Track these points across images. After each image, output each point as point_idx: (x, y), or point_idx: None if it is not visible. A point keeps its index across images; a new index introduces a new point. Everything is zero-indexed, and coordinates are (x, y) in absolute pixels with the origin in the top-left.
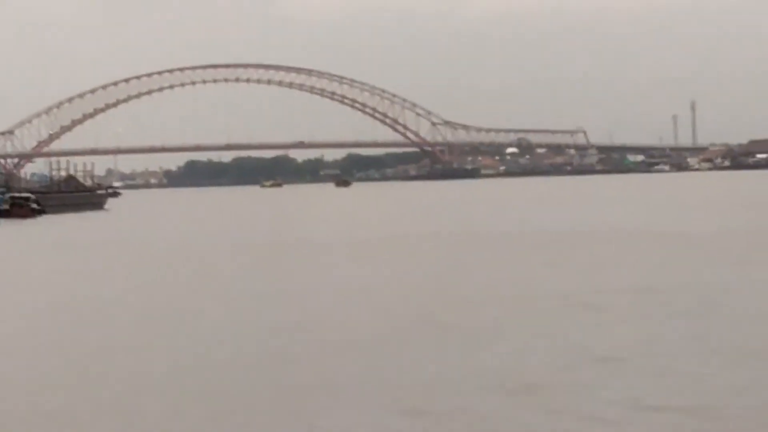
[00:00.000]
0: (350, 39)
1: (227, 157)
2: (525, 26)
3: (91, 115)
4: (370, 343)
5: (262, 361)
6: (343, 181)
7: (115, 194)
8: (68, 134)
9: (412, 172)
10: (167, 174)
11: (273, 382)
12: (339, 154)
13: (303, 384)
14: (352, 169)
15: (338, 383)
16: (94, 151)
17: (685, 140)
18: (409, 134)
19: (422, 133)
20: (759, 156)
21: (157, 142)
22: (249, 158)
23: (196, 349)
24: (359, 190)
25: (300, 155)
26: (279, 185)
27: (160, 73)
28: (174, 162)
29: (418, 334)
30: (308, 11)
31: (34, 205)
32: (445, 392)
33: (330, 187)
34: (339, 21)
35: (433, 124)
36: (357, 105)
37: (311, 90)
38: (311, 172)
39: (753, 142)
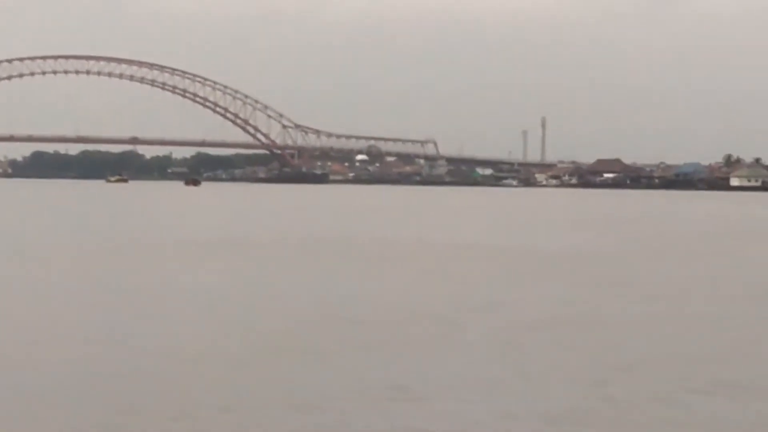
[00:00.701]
0: (205, 37)
1: (74, 149)
2: (382, 33)
3: None
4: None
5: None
6: (192, 180)
7: None
8: None
9: (261, 175)
10: (12, 164)
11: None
12: (188, 152)
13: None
14: (200, 168)
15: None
16: None
17: (534, 156)
18: (259, 136)
19: (273, 136)
20: (606, 175)
21: (4, 131)
22: (97, 152)
23: None
24: (209, 189)
25: (148, 152)
26: (125, 181)
27: (9, 61)
28: (20, 152)
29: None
30: (166, 7)
31: None
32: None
33: (179, 185)
34: (195, 18)
35: (284, 127)
36: (208, 104)
37: (163, 86)
38: (159, 170)
39: (600, 161)
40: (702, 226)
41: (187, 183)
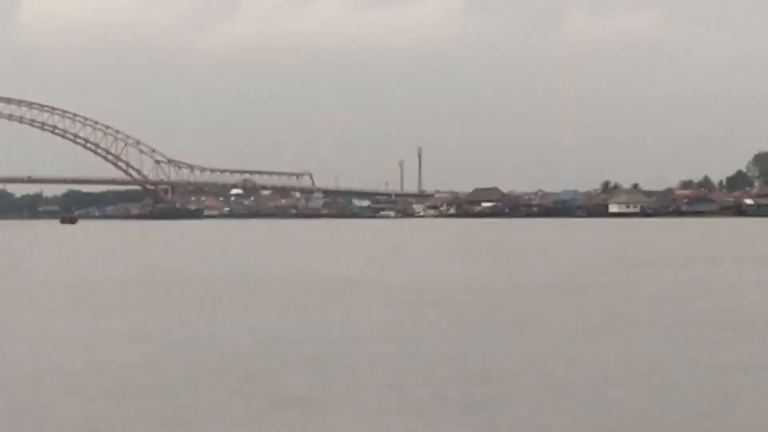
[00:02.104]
0: (72, 70)
1: None
2: (254, 65)
3: None
4: None
5: None
6: (69, 219)
7: None
8: None
9: (134, 211)
10: None
11: None
12: (59, 190)
13: None
14: (72, 206)
15: None
16: None
17: (411, 186)
18: (131, 171)
19: (145, 171)
20: (484, 204)
21: None
22: None
23: None
24: (84, 227)
25: (17, 190)
26: None
27: None
28: None
29: None
30: (31, 41)
31: None
32: None
33: (54, 223)
34: (61, 51)
35: (157, 162)
36: (79, 140)
37: (31, 123)
38: (29, 208)
39: (477, 191)
40: (584, 254)
41: (63, 221)
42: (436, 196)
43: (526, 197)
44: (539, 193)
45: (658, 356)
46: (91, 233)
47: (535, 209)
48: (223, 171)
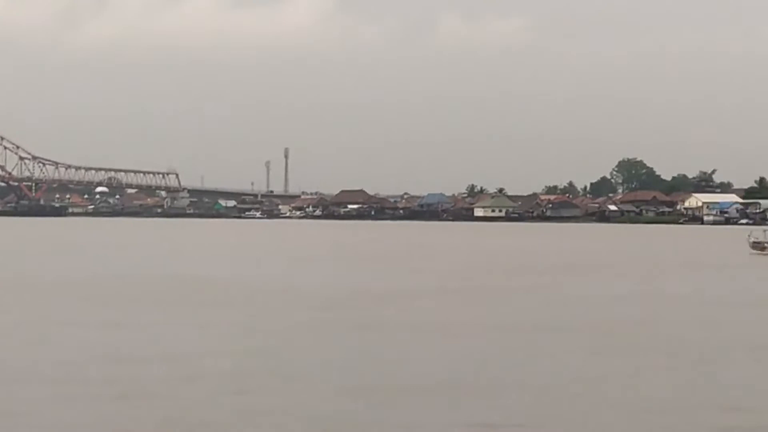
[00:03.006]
0: None
1: None
2: (121, 63)
3: None
4: None
5: None
6: None
7: None
8: None
9: None
10: None
11: None
12: None
13: None
14: None
15: None
16: None
17: (278, 187)
18: None
19: (9, 168)
20: (350, 206)
21: None
22: None
23: None
24: None
25: None
26: None
27: None
28: None
29: None
30: None
31: None
32: None
33: None
34: None
35: (21, 158)
36: None
37: None
38: None
39: (344, 193)
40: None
41: None
42: (303, 197)
43: (393, 200)
44: (405, 196)
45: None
46: None
47: (401, 212)
48: (88, 169)
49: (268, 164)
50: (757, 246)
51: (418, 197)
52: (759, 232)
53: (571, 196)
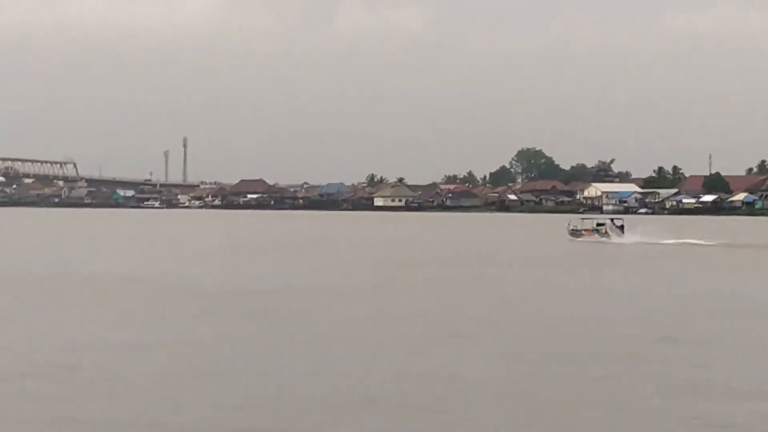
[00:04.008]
0: None
1: None
2: (16, 49)
3: None
4: None
5: None
6: None
7: None
8: None
9: None
10: None
11: None
12: None
13: None
14: None
15: None
16: None
17: (176, 177)
18: None
19: None
20: (249, 196)
21: None
22: None
23: None
24: None
25: None
26: None
27: None
28: None
29: None
30: None
31: None
32: None
33: None
34: None
35: None
36: None
37: None
38: None
39: (243, 182)
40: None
41: None
42: (201, 187)
43: (292, 189)
44: (305, 186)
45: None
46: None
47: (301, 201)
48: None
49: (166, 154)
50: (575, 233)
51: (318, 187)
52: (577, 221)
53: (471, 186)
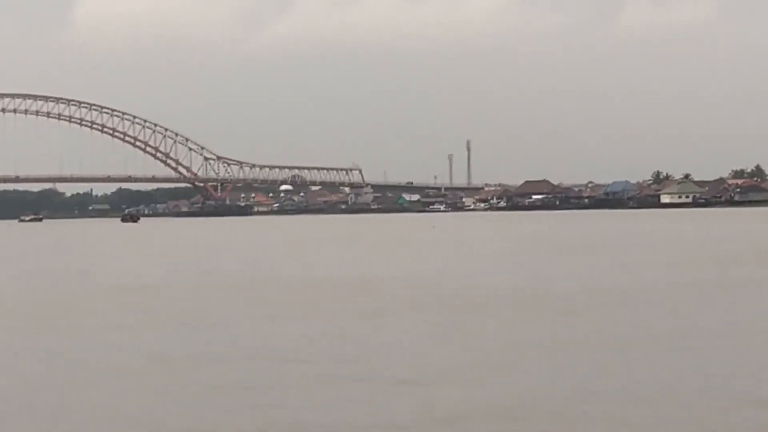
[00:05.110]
0: (123, 70)
1: None
2: (301, 62)
3: None
4: None
5: None
6: (130, 216)
7: None
8: None
9: (184, 208)
10: None
11: None
12: (108, 188)
13: None
14: (122, 203)
15: None
16: None
17: (460, 180)
18: (180, 169)
19: (195, 169)
20: (534, 197)
21: None
22: (14, 192)
23: None
24: (148, 225)
25: (68, 189)
26: (39, 219)
27: None
28: None
29: None
30: (85, 40)
31: None
32: None
33: (113, 222)
34: (110, 51)
35: (206, 159)
36: (128, 138)
37: (80, 122)
38: (79, 207)
39: (528, 183)
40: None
41: (124, 219)
42: (486, 189)
43: (577, 189)
44: (589, 185)
45: None
46: (158, 232)
47: (586, 201)
48: (272, 167)
49: (450, 157)
50: None
51: (603, 185)
52: None
53: (759, 180)
